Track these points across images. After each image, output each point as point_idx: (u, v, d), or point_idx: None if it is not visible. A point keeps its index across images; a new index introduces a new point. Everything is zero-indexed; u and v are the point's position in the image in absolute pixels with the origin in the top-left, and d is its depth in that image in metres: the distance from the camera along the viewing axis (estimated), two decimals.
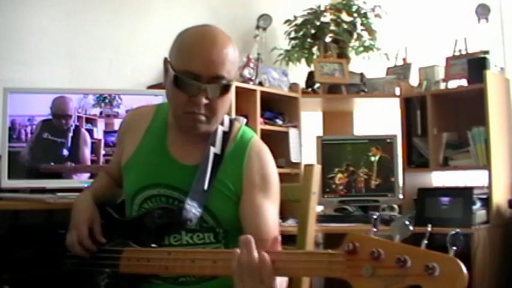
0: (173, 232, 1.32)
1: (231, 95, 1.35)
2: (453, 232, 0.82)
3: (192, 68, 1.25)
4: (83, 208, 1.39)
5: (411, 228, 0.87)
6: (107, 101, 2.24)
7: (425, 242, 0.84)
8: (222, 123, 1.39)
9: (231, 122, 1.44)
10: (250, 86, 3.00)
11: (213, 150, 1.35)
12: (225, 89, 1.29)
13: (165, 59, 1.34)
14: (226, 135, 1.39)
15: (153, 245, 1.28)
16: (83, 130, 2.21)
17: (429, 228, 0.86)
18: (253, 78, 3.04)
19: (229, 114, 1.48)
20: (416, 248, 0.82)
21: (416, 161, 3.19)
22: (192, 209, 1.28)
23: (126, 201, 1.42)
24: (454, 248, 0.80)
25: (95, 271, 1.30)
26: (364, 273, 0.84)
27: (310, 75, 3.49)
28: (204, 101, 1.26)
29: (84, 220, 1.36)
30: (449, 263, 0.78)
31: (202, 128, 1.32)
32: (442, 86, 3.20)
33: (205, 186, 1.31)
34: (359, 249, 0.87)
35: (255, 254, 1.01)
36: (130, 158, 1.42)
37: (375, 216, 0.92)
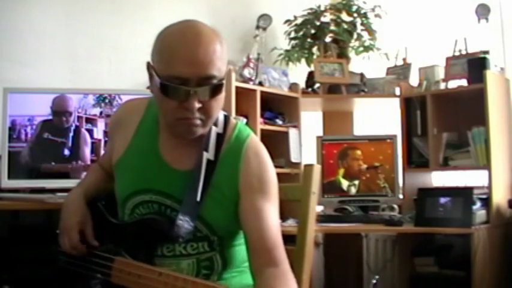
0: (165, 244, 1.29)
1: (224, 91, 1.26)
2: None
3: (178, 73, 1.16)
4: (74, 210, 1.36)
5: None
6: (106, 101, 2.25)
7: None
8: (215, 124, 1.32)
9: (226, 119, 1.36)
10: (250, 86, 3.00)
11: (206, 156, 1.29)
12: (218, 88, 1.21)
13: (148, 63, 1.26)
14: (220, 137, 1.32)
15: (143, 257, 1.25)
16: (83, 130, 2.21)
17: None
18: (253, 78, 3.04)
19: (228, 113, 1.42)
20: None
21: (416, 161, 3.19)
22: (185, 224, 1.24)
23: (118, 203, 1.38)
24: None
25: (87, 274, 1.29)
26: None
27: (310, 75, 3.49)
28: (197, 105, 1.18)
29: (75, 224, 1.33)
30: None
31: (198, 132, 1.25)
32: (442, 86, 3.20)
33: (198, 198, 1.26)
34: None
35: None
36: (121, 157, 1.37)
37: (374, 282, 0.89)
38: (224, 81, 1.22)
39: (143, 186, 1.31)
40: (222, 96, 1.24)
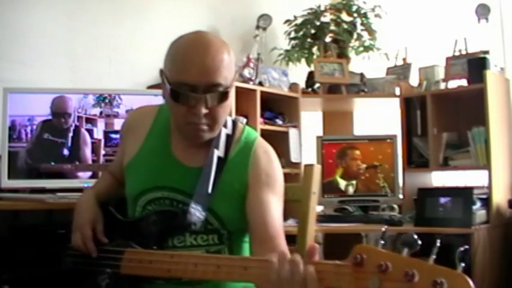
0: (177, 234, 1.32)
1: (231, 99, 1.33)
2: (462, 248, 0.80)
3: (187, 79, 1.23)
4: (86, 208, 1.39)
5: (420, 242, 0.86)
6: (106, 101, 2.24)
7: (434, 256, 0.83)
8: (225, 126, 1.39)
9: (234, 123, 1.43)
10: (250, 86, 3.00)
11: (217, 153, 1.35)
12: (224, 96, 1.27)
13: (161, 70, 1.32)
14: (229, 138, 1.39)
15: (155, 247, 1.27)
16: (83, 130, 2.21)
17: (438, 244, 0.85)
18: (253, 78, 3.04)
19: (230, 114, 1.47)
20: (424, 263, 0.80)
21: (416, 161, 3.19)
22: (196, 213, 1.28)
23: (129, 202, 1.42)
24: (463, 264, 0.79)
25: (96, 271, 1.30)
26: (370, 286, 0.83)
27: (310, 75, 3.49)
28: (204, 110, 1.24)
29: (87, 221, 1.36)
30: (458, 279, 0.77)
31: (205, 137, 1.31)
32: (442, 86, 3.20)
33: (209, 190, 1.31)
34: (366, 261, 0.86)
35: (301, 267, 0.95)
36: (132, 158, 1.42)
37: (383, 229, 0.91)
38: (230, 90, 1.28)
39: (155, 184, 1.35)
40: (228, 103, 1.31)
